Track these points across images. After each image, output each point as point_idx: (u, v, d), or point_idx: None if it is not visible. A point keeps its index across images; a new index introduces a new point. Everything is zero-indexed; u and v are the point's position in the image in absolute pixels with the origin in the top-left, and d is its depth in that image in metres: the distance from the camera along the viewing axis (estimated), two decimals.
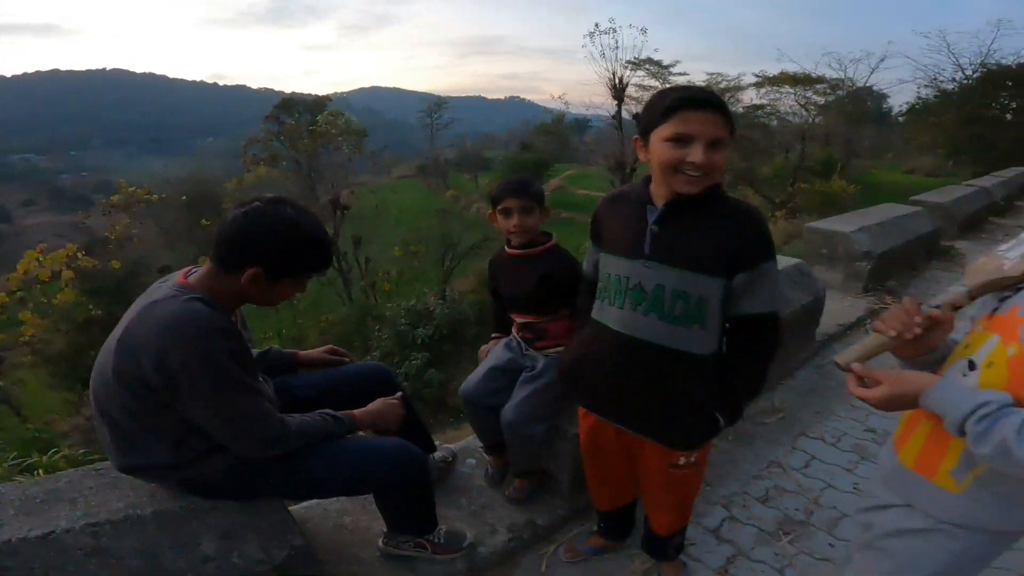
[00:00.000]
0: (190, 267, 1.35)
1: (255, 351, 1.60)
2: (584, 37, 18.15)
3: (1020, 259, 0.97)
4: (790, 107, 21.95)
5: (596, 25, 18.03)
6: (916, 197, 6.19)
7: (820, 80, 21.26)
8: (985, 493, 0.96)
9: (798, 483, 2.23)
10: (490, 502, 2.03)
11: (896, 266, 4.47)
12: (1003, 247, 1.05)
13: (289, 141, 18.48)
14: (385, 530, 1.74)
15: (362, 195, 19.95)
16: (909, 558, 1.05)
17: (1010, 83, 20.78)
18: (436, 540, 1.74)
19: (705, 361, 1.27)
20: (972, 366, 0.93)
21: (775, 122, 22.35)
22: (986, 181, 8.23)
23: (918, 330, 1.00)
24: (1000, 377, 0.88)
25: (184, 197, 15.33)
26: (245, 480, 1.37)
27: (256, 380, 1.33)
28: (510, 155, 29.63)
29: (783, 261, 3.31)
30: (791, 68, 21.36)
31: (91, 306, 10.61)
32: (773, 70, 21.63)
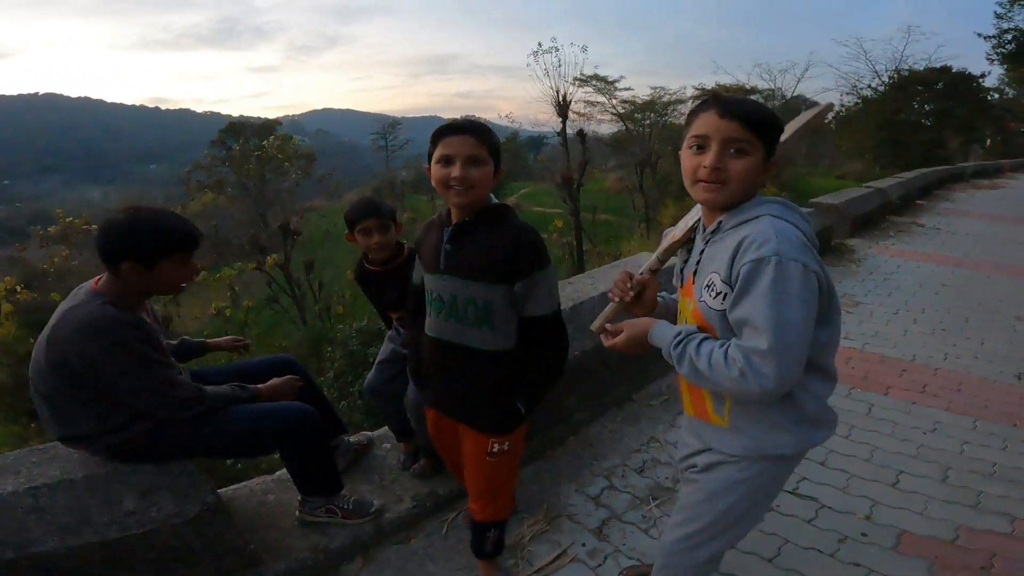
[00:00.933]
0: (101, 275, 1.61)
1: (172, 342, 1.88)
2: (528, 56, 18.76)
3: (683, 227, 1.34)
4: None
5: (539, 44, 18.64)
6: (814, 200, 6.84)
7: (753, 91, 22.51)
8: (742, 421, 1.21)
9: (671, 455, 2.56)
10: (399, 477, 2.30)
11: None
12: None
13: (235, 166, 18.31)
14: (299, 498, 2.01)
15: (312, 220, 19.88)
16: (714, 488, 1.29)
17: (920, 87, 22.49)
18: (345, 507, 2.01)
19: (500, 356, 1.48)
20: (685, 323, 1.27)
21: None
22: (885, 182, 9.05)
23: (632, 293, 1.34)
24: (691, 323, 1.22)
25: None
26: (164, 441, 1.64)
27: (168, 357, 1.62)
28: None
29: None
30: (726, 80, 22.58)
31: (32, 339, 10.36)
32: (711, 83, 22.80)
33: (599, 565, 1.96)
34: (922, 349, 3.70)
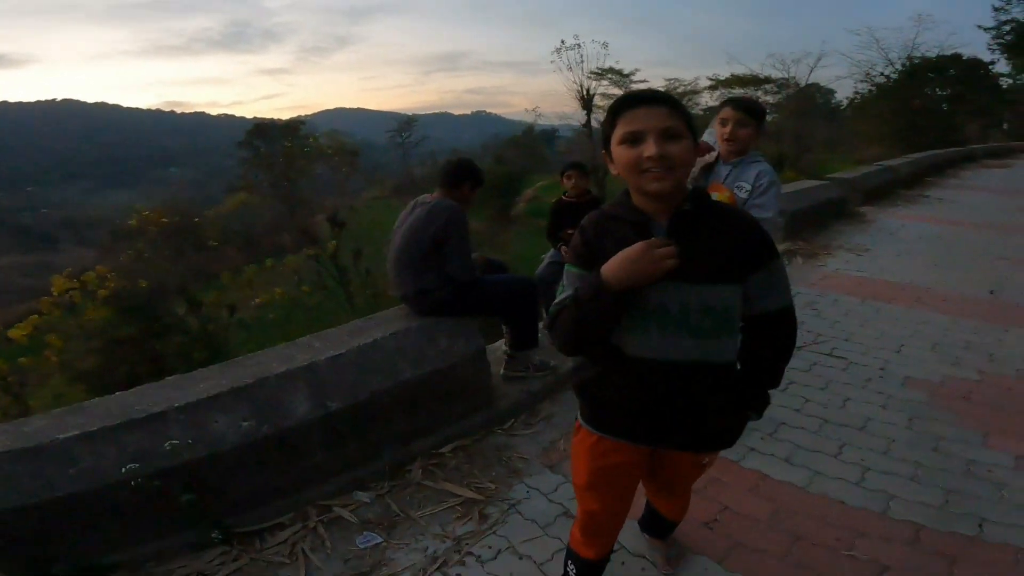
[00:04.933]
0: (437, 191, 2.79)
1: None
2: (552, 53, 19.68)
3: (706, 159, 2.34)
4: None
5: (562, 41, 19.56)
6: (831, 175, 7.88)
7: (767, 80, 23.24)
8: None
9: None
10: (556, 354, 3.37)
11: (808, 224, 6.16)
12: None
13: (285, 163, 19.55)
14: (505, 356, 3.04)
15: (358, 212, 21.08)
16: None
17: (931, 74, 23.11)
18: (535, 362, 3.06)
19: (735, 366, 1.30)
20: None
21: None
22: (895, 161, 10.05)
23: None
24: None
25: (197, 219, 16.25)
26: (459, 301, 2.71)
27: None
28: (486, 168, 30.75)
29: None
30: (740, 70, 23.29)
31: (124, 324, 11.30)
32: (725, 73, 23.55)
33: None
34: (918, 277, 4.80)
